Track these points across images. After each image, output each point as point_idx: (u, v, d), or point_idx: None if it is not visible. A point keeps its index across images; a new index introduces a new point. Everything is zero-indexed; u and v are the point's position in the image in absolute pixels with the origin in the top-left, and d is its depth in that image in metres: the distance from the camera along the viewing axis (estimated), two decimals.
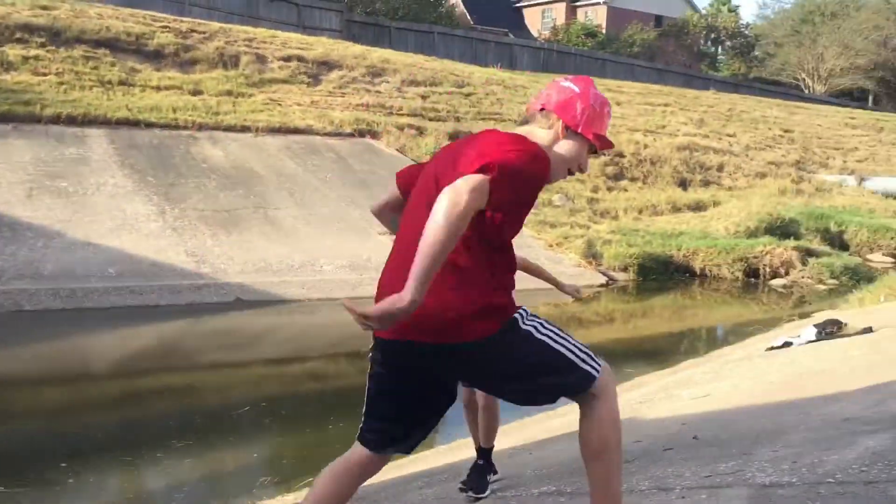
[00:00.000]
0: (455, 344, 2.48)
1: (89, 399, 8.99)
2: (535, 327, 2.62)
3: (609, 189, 22.89)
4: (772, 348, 9.01)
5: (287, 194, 17.00)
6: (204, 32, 23.78)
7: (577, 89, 2.72)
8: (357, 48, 26.49)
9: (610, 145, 2.82)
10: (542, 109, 2.74)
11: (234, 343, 12.03)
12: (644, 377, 9.40)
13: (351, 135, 20.84)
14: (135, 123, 18.09)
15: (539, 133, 2.71)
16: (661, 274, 17.82)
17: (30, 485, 5.83)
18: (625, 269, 17.47)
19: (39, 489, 5.83)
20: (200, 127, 18.88)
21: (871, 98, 55.28)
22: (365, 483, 5.65)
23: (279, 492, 5.99)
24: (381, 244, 16.06)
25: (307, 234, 15.74)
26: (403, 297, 2.27)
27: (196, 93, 20.78)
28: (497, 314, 2.54)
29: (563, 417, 7.50)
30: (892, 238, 21.29)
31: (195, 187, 16.24)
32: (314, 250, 15.21)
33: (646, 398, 7.56)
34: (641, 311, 15.92)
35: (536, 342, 2.60)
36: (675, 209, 22.19)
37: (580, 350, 2.66)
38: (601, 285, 16.71)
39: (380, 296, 2.60)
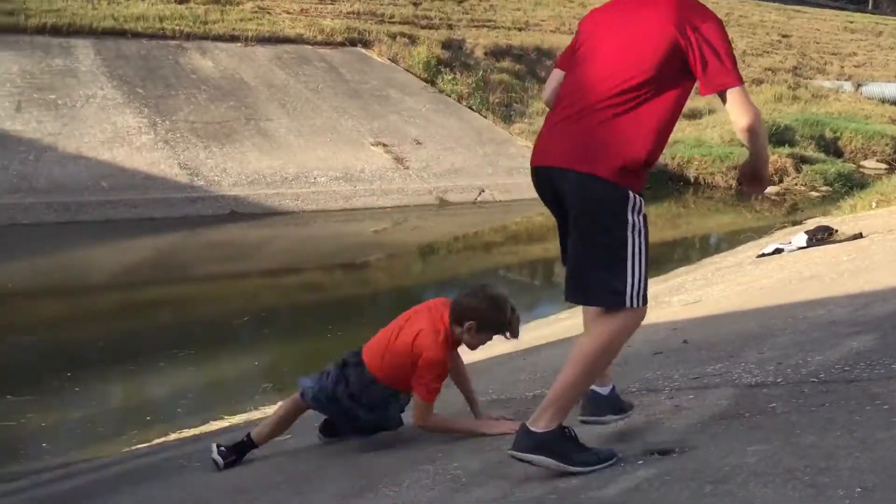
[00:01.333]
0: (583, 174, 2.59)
1: (89, 311, 9.12)
2: (634, 224, 2.65)
3: None
4: (762, 255, 9.13)
5: (278, 105, 16.80)
6: None
7: None
8: None
9: None
10: None
11: (230, 255, 12.13)
12: None
13: (342, 44, 20.43)
14: (121, 33, 17.67)
15: None
16: (655, 182, 17.83)
17: (38, 394, 5.98)
18: None
19: (48, 397, 5.99)
20: (188, 36, 18.47)
21: (870, 1, 54.16)
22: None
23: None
24: (375, 155, 16.00)
25: (300, 145, 15.64)
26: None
27: (182, 1, 20.25)
28: (629, 177, 2.64)
29: (550, 327, 7.66)
30: (886, 144, 21.25)
31: (185, 99, 16.03)
32: (307, 162, 15.14)
33: None
34: None
35: (622, 233, 2.62)
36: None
37: (640, 279, 2.67)
38: None
39: (539, 152, 2.80)
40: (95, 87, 15.50)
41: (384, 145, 16.40)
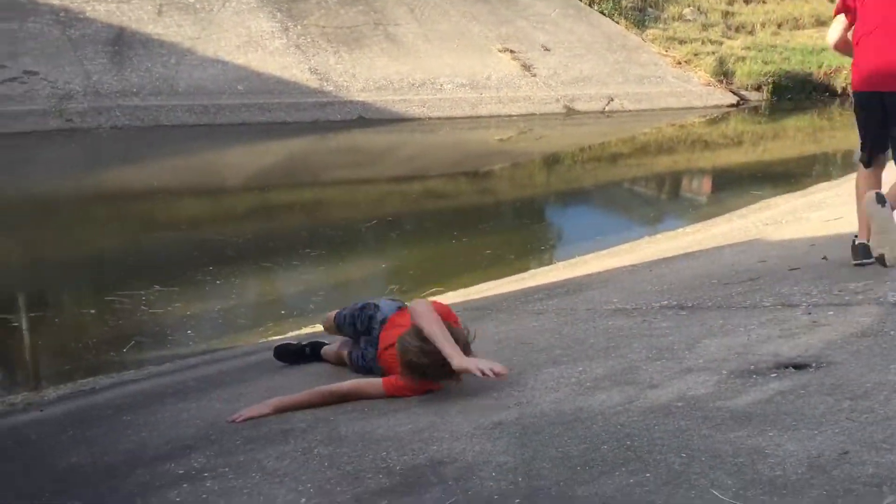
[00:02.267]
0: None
1: (226, 210, 9.57)
2: None
3: (746, 1, 21.29)
4: None
5: (407, 10, 16.69)
6: None
7: None
8: None
9: None
10: None
11: (358, 160, 12.37)
12: (772, 199, 9.14)
13: None
14: None
15: None
16: (798, 93, 16.84)
17: (182, 285, 6.37)
18: (758, 89, 16.58)
19: (190, 289, 6.38)
20: None
21: None
22: (488, 293, 5.86)
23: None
24: (502, 61, 15.75)
25: (427, 51, 15.56)
26: None
27: None
28: None
29: (676, 240, 7.47)
30: None
31: (316, 3, 16.16)
32: (434, 68, 15.08)
33: (773, 220, 7.40)
34: (773, 132, 15.21)
35: None
36: (820, 23, 20.51)
37: None
38: (731, 105, 15.97)
39: (865, 69, 4.01)
40: None
41: (511, 52, 16.10)
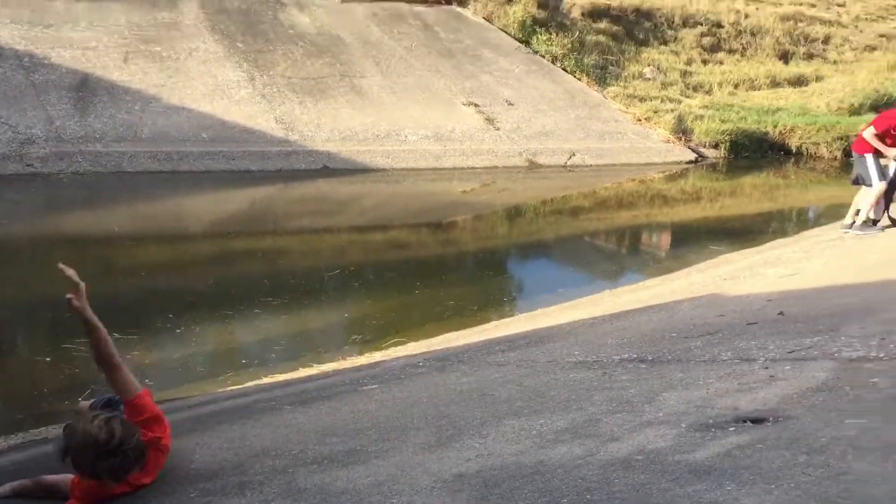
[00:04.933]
0: None
1: (188, 257, 9.47)
2: None
3: (704, 62, 21.92)
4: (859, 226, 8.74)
5: (372, 63, 16.90)
6: None
7: None
8: None
9: None
10: None
11: (321, 209, 12.36)
12: (730, 255, 9.30)
13: (438, 2, 20.36)
14: None
15: None
16: (754, 151, 17.25)
17: (140, 332, 6.27)
18: (716, 146, 16.97)
19: (149, 336, 6.27)
20: None
21: None
22: (450, 345, 5.86)
23: (367, 349, 6.29)
24: (466, 115, 15.97)
25: (392, 103, 15.72)
26: None
27: None
28: None
29: (637, 293, 7.56)
30: None
31: (283, 54, 16.29)
32: (399, 120, 15.23)
33: (731, 275, 7.52)
34: (731, 189, 15.54)
35: None
36: (774, 84, 21.18)
37: None
38: (690, 162, 16.32)
39: None
40: (198, 40, 15.91)
41: (476, 105, 16.34)
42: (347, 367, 5.49)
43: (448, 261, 10.49)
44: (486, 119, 15.96)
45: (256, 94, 14.74)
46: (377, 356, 5.88)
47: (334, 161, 13.64)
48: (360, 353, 6.15)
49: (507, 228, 12.60)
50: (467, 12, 20.38)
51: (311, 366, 5.78)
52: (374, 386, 4.23)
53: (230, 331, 6.85)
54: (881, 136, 8.22)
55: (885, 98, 19.32)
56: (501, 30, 19.87)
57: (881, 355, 3.21)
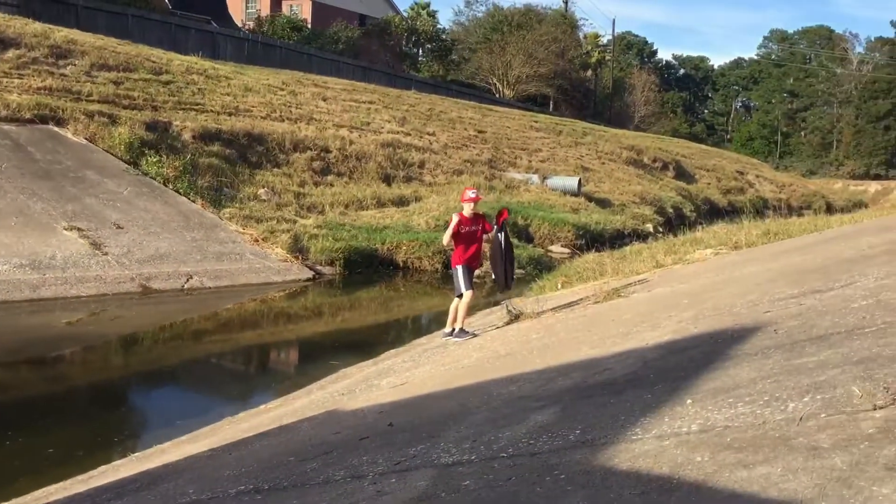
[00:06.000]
0: None
1: None
2: None
3: (316, 184, 23.02)
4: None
5: None
6: None
7: None
8: (37, 26, 23.93)
9: None
10: None
11: None
12: (348, 369, 9.62)
13: (31, 121, 18.90)
14: None
15: None
16: (366, 267, 18.32)
17: None
18: (331, 263, 17.71)
19: None
20: None
21: (551, 104, 61.08)
22: (46, 500, 5.19)
23: None
24: (68, 240, 14.81)
25: None
26: None
27: None
28: None
29: (259, 417, 7.47)
30: (568, 231, 23.73)
31: None
32: None
33: (348, 389, 7.76)
34: (348, 303, 16.25)
35: None
36: (380, 204, 22.90)
37: None
38: (308, 279, 16.80)
39: None
40: None
41: (79, 230, 15.26)
42: None
43: (51, 401, 9.43)
44: (92, 244, 14.95)
45: None
46: None
47: None
48: None
49: (121, 359, 11.74)
50: (66, 132, 19.19)
51: None
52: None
53: None
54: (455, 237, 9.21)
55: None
56: (107, 151, 19.00)
57: (472, 458, 3.49)
